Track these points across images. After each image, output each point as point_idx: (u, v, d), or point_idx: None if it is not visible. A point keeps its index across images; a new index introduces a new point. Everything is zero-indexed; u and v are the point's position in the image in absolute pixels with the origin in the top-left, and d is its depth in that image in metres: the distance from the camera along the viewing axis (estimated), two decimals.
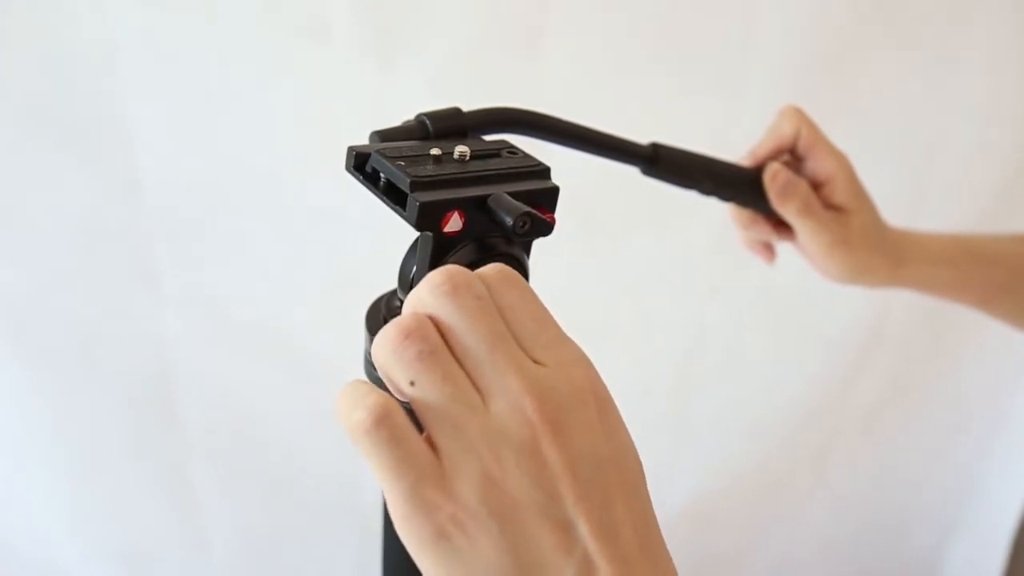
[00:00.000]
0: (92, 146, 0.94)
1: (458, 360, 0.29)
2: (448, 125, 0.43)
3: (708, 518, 1.35)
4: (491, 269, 0.32)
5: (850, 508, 1.39)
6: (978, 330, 1.24)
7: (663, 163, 0.57)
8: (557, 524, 0.28)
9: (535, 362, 0.30)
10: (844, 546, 1.44)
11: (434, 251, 0.38)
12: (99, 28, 0.88)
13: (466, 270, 0.31)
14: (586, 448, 0.29)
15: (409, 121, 0.42)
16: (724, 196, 0.64)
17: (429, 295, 0.30)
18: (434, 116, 0.42)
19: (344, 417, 0.29)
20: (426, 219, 0.36)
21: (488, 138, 0.44)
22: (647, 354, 1.20)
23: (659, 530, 0.31)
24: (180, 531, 1.22)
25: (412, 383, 0.29)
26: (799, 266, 0.67)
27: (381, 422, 0.28)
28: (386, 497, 0.28)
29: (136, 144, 0.95)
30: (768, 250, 0.70)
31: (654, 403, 1.23)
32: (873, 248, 0.64)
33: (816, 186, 0.63)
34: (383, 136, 0.41)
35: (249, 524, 1.24)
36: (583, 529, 0.28)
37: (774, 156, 0.64)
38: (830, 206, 0.63)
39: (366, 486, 1.20)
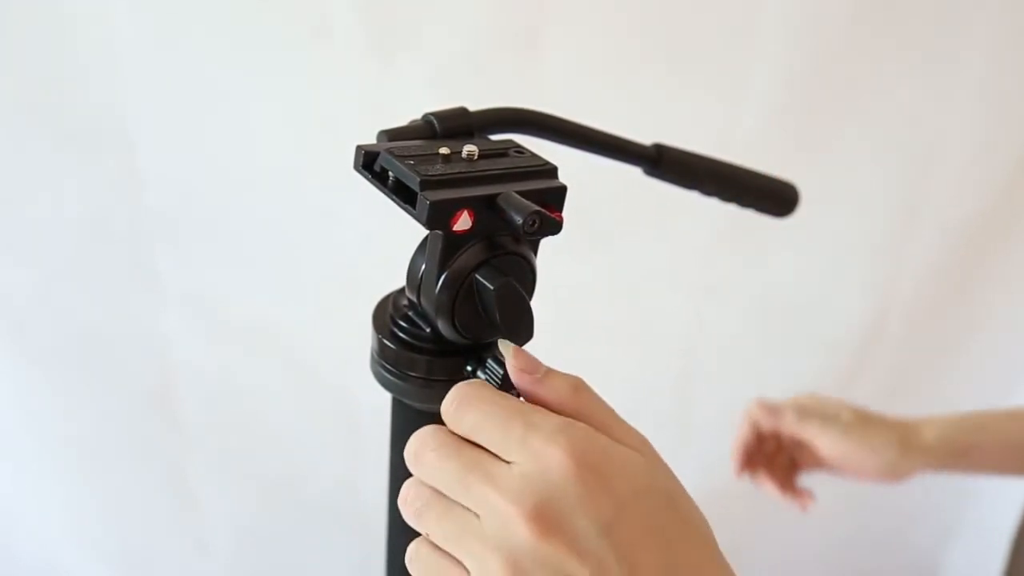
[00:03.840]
0: (92, 146, 0.94)
1: (450, 499, 0.34)
2: (455, 125, 0.42)
3: (707, 517, 1.35)
4: (444, 403, 0.35)
5: (850, 508, 1.39)
6: (978, 331, 1.24)
7: (667, 164, 0.57)
8: None
9: (512, 462, 0.33)
10: (843, 546, 1.44)
11: (443, 250, 0.38)
12: (99, 28, 0.88)
13: (421, 434, 0.35)
14: (582, 521, 0.31)
15: (416, 121, 0.42)
16: (726, 197, 0.64)
17: (409, 469, 0.35)
18: (441, 116, 0.42)
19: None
20: (436, 218, 0.36)
21: (494, 138, 0.44)
22: (648, 353, 1.19)
23: (710, 552, 0.35)
24: (180, 531, 1.21)
25: (427, 534, 0.34)
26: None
27: (409, 556, 0.35)
28: None
29: (136, 144, 0.95)
30: (802, 495, 0.80)
31: (654, 402, 1.23)
32: (877, 424, 0.76)
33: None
34: (390, 135, 0.41)
35: (249, 524, 1.24)
36: None
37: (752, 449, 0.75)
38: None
39: (366, 486, 1.19)
